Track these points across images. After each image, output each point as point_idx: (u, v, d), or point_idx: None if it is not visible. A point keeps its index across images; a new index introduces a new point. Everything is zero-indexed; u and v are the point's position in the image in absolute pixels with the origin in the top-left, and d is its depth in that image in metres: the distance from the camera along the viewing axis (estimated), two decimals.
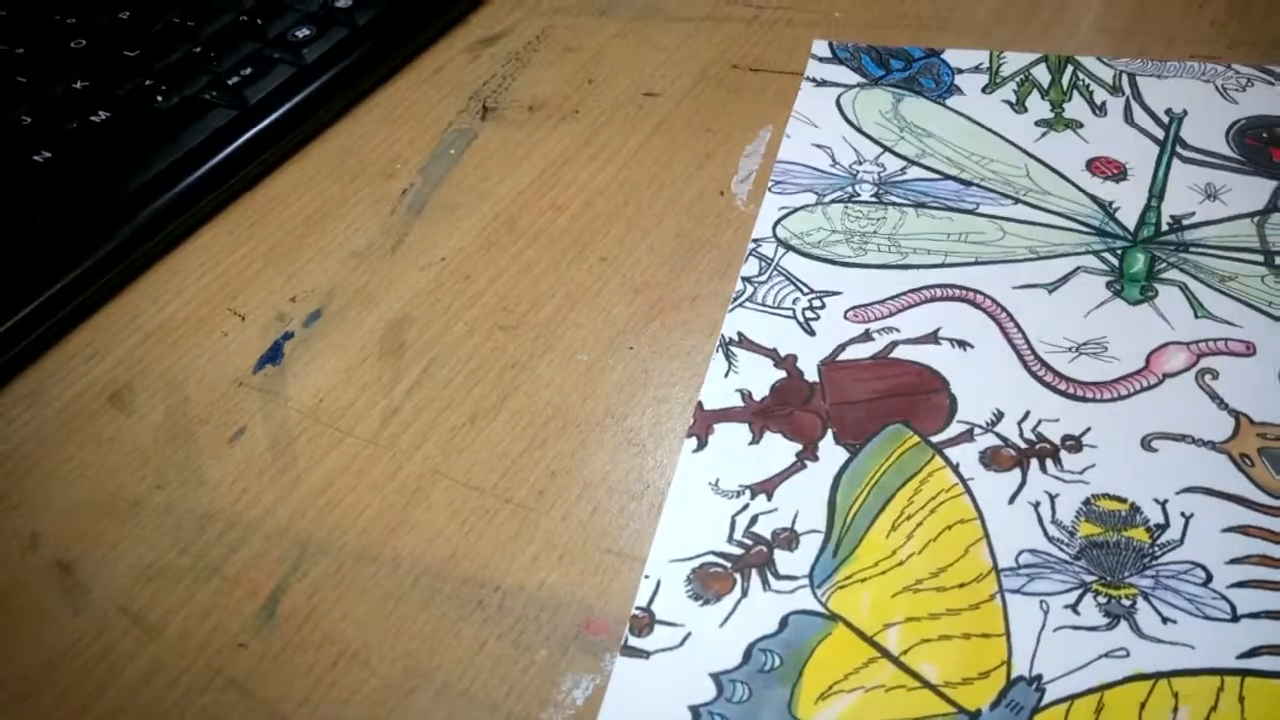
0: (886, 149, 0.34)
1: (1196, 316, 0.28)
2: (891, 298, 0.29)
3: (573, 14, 0.42)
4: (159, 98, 0.37)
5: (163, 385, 0.29)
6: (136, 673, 0.23)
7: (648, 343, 0.29)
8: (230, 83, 0.37)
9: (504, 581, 0.24)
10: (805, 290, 0.30)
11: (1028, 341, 0.27)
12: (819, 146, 0.34)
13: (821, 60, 0.38)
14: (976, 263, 0.30)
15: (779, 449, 0.26)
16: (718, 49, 0.39)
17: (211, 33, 0.40)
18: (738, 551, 0.24)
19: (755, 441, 0.26)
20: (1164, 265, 0.29)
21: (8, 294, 0.30)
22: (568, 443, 0.27)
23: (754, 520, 0.24)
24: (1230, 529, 0.23)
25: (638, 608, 0.23)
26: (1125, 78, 0.36)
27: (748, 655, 0.22)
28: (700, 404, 0.27)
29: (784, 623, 0.22)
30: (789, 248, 0.31)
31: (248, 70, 0.37)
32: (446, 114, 0.38)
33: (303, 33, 0.39)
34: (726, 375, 0.28)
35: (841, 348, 0.28)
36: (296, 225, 0.34)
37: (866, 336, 0.28)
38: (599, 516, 0.25)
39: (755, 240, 0.31)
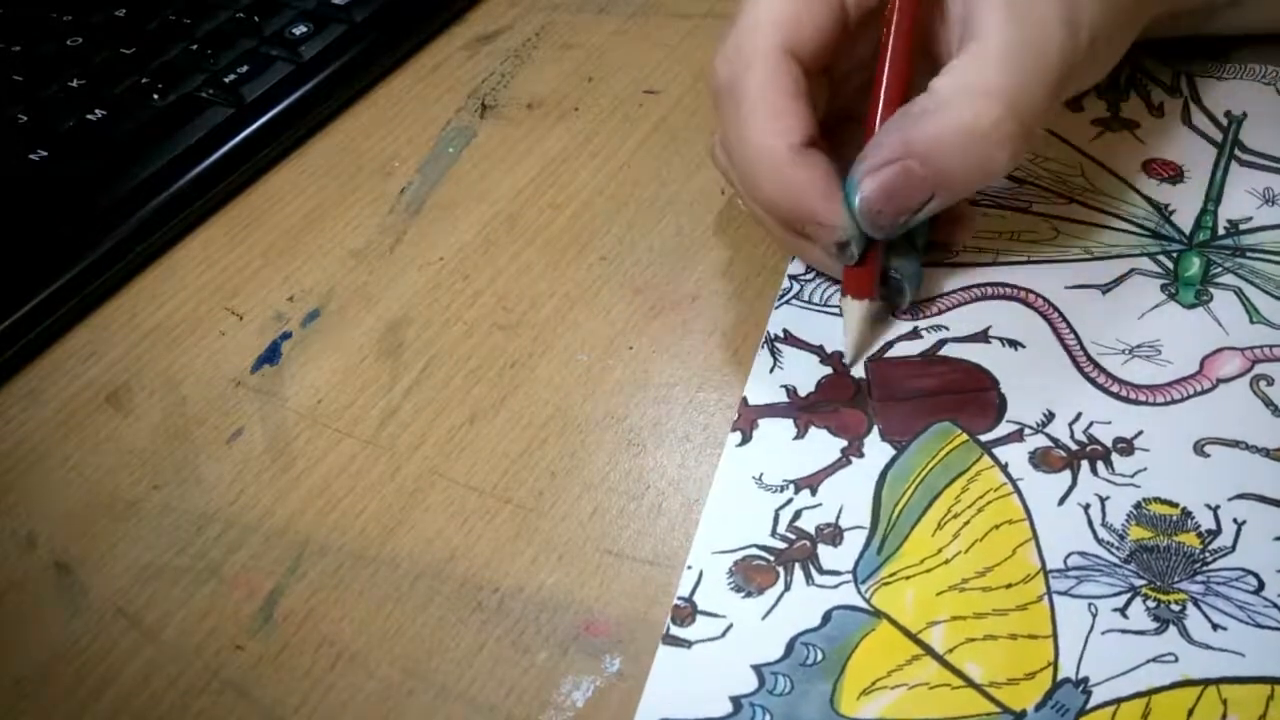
0: None
1: (1252, 322, 0.27)
2: (941, 295, 0.29)
3: (572, 11, 0.42)
4: (155, 96, 0.37)
5: (160, 385, 0.29)
6: (134, 674, 0.23)
7: (648, 343, 0.29)
8: (227, 80, 0.37)
9: (503, 583, 0.24)
10: None
11: (1080, 342, 0.27)
12: None
13: None
14: (1029, 261, 0.30)
15: (824, 444, 0.26)
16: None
17: (208, 30, 0.40)
18: (781, 545, 0.24)
19: (800, 437, 0.26)
20: (1219, 270, 0.29)
21: (5, 293, 0.30)
22: (567, 443, 0.27)
23: (798, 515, 0.24)
24: None
25: (680, 598, 0.23)
26: (1184, 78, 0.35)
27: (790, 648, 0.22)
28: (745, 399, 0.27)
29: (827, 618, 0.22)
30: None
31: (244, 68, 0.37)
32: (445, 112, 0.38)
33: (300, 30, 0.39)
34: (772, 371, 0.28)
35: (889, 345, 0.28)
36: (294, 224, 0.34)
37: (915, 334, 0.28)
38: (599, 517, 0.25)
39: None
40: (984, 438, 0.25)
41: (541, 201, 0.34)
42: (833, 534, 0.24)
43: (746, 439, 0.26)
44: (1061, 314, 0.28)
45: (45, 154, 0.34)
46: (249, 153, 0.36)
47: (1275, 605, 0.22)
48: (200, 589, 0.24)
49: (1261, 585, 0.22)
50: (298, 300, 0.31)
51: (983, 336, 0.28)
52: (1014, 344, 0.28)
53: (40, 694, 0.23)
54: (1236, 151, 0.33)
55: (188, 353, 0.30)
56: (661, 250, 0.32)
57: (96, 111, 0.36)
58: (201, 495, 0.26)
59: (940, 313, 0.29)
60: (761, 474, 0.25)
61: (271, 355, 0.30)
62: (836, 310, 0.29)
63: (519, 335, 0.30)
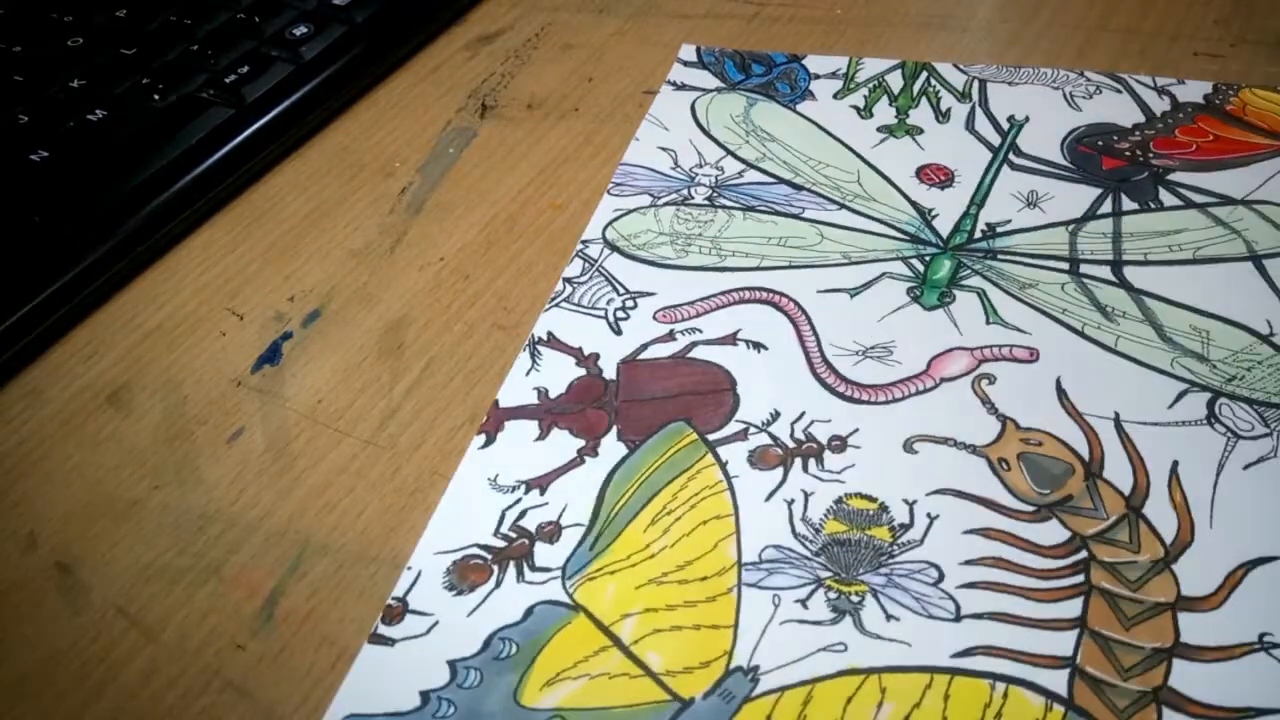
0: (729, 152, 0.35)
1: (988, 322, 0.28)
2: (700, 299, 0.30)
3: (572, 11, 0.42)
4: (156, 96, 0.36)
5: (161, 385, 0.29)
6: (135, 674, 0.23)
7: None
8: (227, 81, 0.37)
9: None
10: (621, 291, 0.30)
11: (819, 344, 0.28)
12: (664, 150, 0.35)
13: (687, 64, 0.39)
14: (790, 266, 0.31)
15: (563, 445, 0.27)
16: (719, 46, 0.39)
17: (209, 31, 0.40)
18: (500, 544, 0.25)
19: (542, 438, 0.27)
20: (968, 272, 0.30)
21: (5, 294, 0.30)
22: None
23: (522, 514, 0.25)
24: (972, 531, 0.24)
25: (393, 598, 0.24)
26: (976, 84, 0.36)
27: (487, 643, 0.23)
28: (496, 402, 0.28)
29: (528, 613, 0.23)
30: (614, 249, 0.32)
31: (245, 68, 0.37)
32: (445, 112, 0.38)
33: (300, 30, 0.39)
34: (528, 374, 0.28)
35: (644, 347, 0.29)
36: (294, 225, 0.34)
37: (670, 337, 0.29)
38: None
39: (584, 241, 0.32)
40: (712, 437, 0.26)
41: (542, 201, 0.34)
42: (551, 532, 0.25)
43: (490, 440, 0.27)
44: (807, 317, 0.29)
45: (46, 154, 0.34)
46: (249, 153, 0.35)
47: (950, 597, 0.23)
48: (201, 589, 0.24)
49: (942, 577, 0.23)
50: (298, 300, 0.31)
51: (731, 339, 0.29)
52: (759, 346, 0.28)
53: (41, 693, 0.23)
54: (1011, 155, 0.34)
55: (188, 353, 0.30)
56: None
57: (97, 112, 0.36)
58: (202, 495, 0.26)
59: (697, 315, 0.30)
60: (497, 475, 0.26)
61: (272, 355, 0.30)
62: (601, 313, 0.30)
63: (519, 335, 0.30)
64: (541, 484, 0.26)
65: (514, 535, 0.25)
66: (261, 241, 0.34)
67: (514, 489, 0.26)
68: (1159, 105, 0.35)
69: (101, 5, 0.41)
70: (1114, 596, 0.22)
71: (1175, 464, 0.25)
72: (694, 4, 0.42)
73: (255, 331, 0.31)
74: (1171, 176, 0.32)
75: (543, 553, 0.24)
